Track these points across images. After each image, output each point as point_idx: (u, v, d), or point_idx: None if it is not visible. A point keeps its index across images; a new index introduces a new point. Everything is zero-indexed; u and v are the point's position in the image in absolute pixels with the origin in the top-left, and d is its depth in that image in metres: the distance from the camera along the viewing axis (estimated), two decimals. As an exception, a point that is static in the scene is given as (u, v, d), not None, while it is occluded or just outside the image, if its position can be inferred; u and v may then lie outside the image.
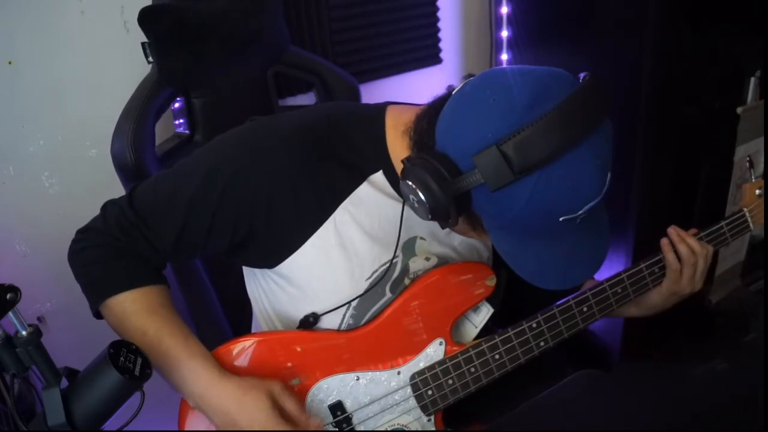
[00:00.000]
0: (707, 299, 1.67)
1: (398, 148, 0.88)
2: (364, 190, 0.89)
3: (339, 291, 0.90)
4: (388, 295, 0.93)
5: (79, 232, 0.89)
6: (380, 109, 0.92)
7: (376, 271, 0.91)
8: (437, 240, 0.97)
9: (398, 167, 0.87)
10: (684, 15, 1.31)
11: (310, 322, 0.90)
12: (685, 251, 1.00)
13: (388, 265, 0.91)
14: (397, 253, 0.92)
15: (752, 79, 1.51)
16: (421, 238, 0.95)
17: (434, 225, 0.94)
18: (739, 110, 1.51)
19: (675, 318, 1.20)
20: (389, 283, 0.93)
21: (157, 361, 0.82)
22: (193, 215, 0.85)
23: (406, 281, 0.94)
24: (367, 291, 0.90)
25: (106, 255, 0.85)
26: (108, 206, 0.88)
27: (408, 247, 0.94)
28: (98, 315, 0.87)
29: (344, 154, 0.88)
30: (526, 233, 0.76)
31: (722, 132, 1.52)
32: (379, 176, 0.90)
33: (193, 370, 0.83)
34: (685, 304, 1.05)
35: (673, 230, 1.02)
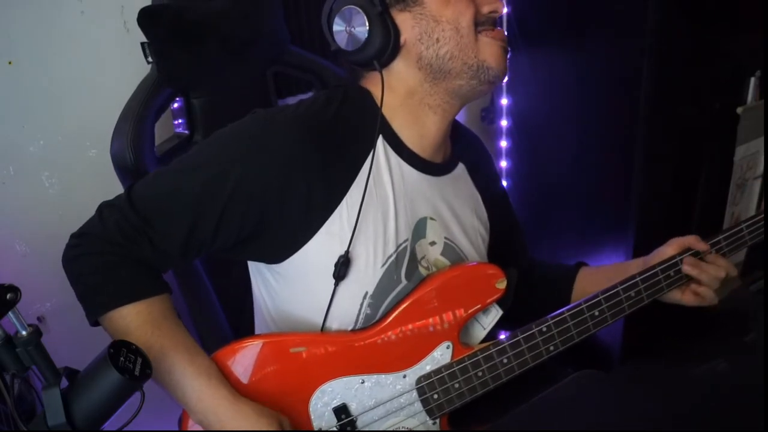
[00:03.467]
0: (707, 299, 1.66)
1: (385, 100, 0.92)
2: (369, 165, 0.89)
3: (354, 279, 0.89)
4: (404, 282, 0.92)
5: (75, 236, 0.86)
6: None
7: (390, 256, 0.91)
8: (446, 221, 0.98)
9: (393, 123, 0.93)
10: (684, 15, 1.31)
11: (341, 262, 0.87)
12: (711, 276, 0.99)
13: (400, 248, 0.91)
14: (407, 236, 0.92)
15: (752, 79, 1.51)
16: (432, 218, 0.96)
17: (443, 205, 0.97)
18: (739, 110, 1.51)
19: (675, 318, 1.20)
20: (404, 268, 0.92)
21: (162, 377, 0.82)
22: (202, 213, 0.83)
23: (421, 269, 0.94)
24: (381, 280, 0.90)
25: (106, 264, 0.82)
26: (105, 209, 0.85)
27: (419, 228, 0.94)
28: (95, 323, 0.84)
29: (346, 133, 0.89)
30: None
31: (722, 132, 1.52)
32: (380, 145, 0.91)
33: (198, 388, 0.82)
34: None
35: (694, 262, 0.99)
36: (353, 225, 0.87)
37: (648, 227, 1.44)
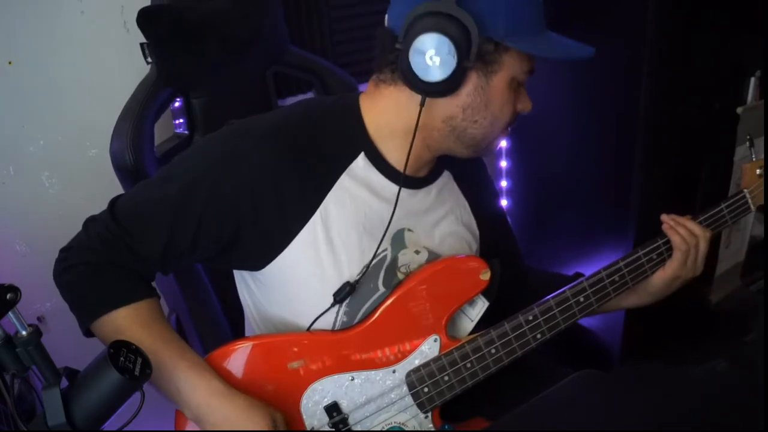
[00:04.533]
0: (707, 299, 1.67)
1: (376, 121, 0.91)
2: (346, 179, 0.90)
3: (330, 288, 0.89)
4: (382, 290, 0.93)
5: (63, 250, 0.88)
6: (354, 95, 0.96)
7: (367, 265, 0.91)
8: (425, 232, 0.97)
9: (380, 144, 0.92)
10: (684, 15, 1.31)
11: (346, 291, 0.88)
12: (685, 234, 1.00)
13: (378, 258, 0.91)
14: (385, 246, 0.92)
15: (752, 79, 1.51)
16: (409, 229, 0.96)
17: (422, 216, 0.97)
18: (739, 110, 1.50)
19: (675, 318, 1.21)
20: (381, 277, 0.93)
21: (154, 375, 0.82)
22: (178, 222, 0.85)
23: (399, 275, 0.94)
24: (358, 287, 0.90)
25: (90, 272, 0.84)
26: (89, 222, 0.88)
27: (397, 239, 0.94)
28: (88, 333, 0.85)
29: (323, 146, 0.89)
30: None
31: (722, 132, 1.52)
32: (360, 161, 0.91)
33: (191, 381, 0.83)
34: (685, 304, 1.05)
35: (667, 216, 1.02)
36: (329, 236, 0.88)
37: (648, 227, 1.43)
